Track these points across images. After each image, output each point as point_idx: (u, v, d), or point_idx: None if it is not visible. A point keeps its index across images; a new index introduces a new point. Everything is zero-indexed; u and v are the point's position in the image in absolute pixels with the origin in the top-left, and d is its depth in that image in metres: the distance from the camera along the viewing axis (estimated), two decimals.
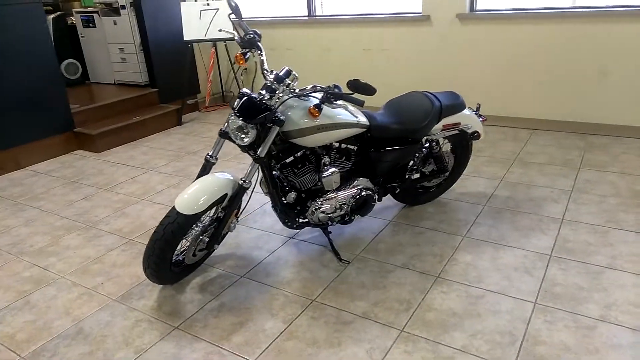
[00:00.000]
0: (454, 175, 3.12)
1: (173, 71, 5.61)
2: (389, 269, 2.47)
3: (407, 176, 2.77)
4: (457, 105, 2.76)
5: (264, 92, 2.20)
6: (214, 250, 2.49)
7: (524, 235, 2.70)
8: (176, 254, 2.35)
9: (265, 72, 2.27)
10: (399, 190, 2.84)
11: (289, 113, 2.23)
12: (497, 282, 2.30)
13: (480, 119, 2.95)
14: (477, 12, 4.44)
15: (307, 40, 5.43)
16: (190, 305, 2.28)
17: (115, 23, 5.50)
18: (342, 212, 2.57)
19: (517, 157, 3.82)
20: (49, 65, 4.44)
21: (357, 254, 2.62)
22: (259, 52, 2.33)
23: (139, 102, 5.39)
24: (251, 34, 2.30)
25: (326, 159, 2.42)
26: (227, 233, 2.51)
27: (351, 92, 2.11)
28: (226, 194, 2.25)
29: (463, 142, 2.95)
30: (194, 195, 2.16)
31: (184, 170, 4.03)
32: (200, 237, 2.33)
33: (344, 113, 2.36)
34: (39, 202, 3.56)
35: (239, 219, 2.49)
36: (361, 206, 2.60)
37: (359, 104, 2.17)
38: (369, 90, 2.09)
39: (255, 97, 2.16)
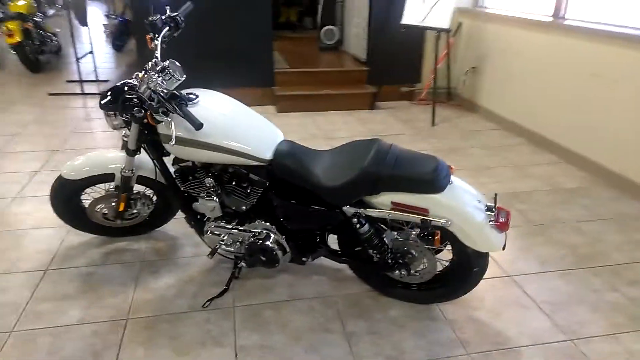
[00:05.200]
0: (450, 287, 2.00)
1: (390, 53, 5.34)
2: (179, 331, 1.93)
3: (323, 246, 2.01)
4: (416, 180, 1.72)
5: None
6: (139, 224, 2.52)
7: None
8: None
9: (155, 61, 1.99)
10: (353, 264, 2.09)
11: None
12: None
13: (491, 220, 1.75)
14: None
15: (537, 47, 4.12)
16: (78, 259, 2.43)
17: None
18: (234, 251, 2.12)
19: None
20: (264, 27, 5.01)
21: (232, 306, 2.13)
22: (157, 38, 2.03)
23: (346, 77, 5.44)
24: (156, 17, 2.02)
25: (209, 181, 2.00)
26: (145, 216, 2.47)
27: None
28: (113, 174, 2.22)
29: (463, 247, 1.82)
30: (78, 164, 2.23)
31: None
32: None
33: (216, 131, 1.85)
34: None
35: (151, 206, 2.41)
36: (254, 254, 2.06)
37: (195, 126, 1.68)
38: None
39: (129, 85, 1.97)
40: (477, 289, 2.25)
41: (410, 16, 4.85)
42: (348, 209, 1.86)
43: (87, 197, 2.40)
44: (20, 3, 6.68)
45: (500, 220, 1.76)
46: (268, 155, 1.90)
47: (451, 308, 2.13)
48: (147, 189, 2.42)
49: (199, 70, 5.01)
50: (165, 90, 1.81)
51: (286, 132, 4.38)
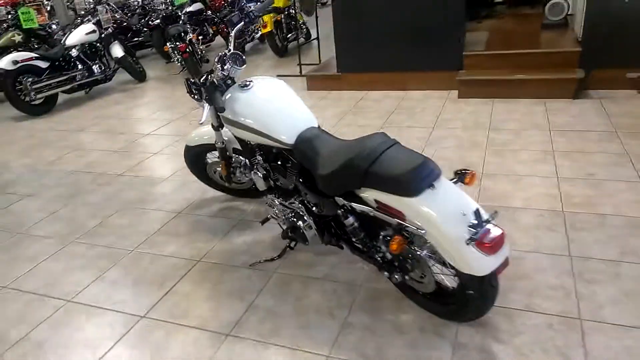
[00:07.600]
0: (456, 306, 1.77)
1: (612, 31, 4.34)
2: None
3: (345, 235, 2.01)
4: (390, 179, 1.59)
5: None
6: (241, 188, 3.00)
7: None
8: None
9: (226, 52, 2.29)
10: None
11: None
12: None
13: (472, 238, 1.49)
14: None
15: None
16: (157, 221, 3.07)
17: None
18: (282, 222, 2.36)
19: None
20: (456, 9, 4.77)
21: (273, 271, 2.37)
22: (231, 31, 2.29)
23: (549, 60, 4.68)
24: (233, 14, 2.28)
25: (258, 158, 2.26)
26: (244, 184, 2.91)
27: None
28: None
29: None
30: (195, 134, 2.79)
31: (441, 151, 3.81)
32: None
33: (252, 114, 2.07)
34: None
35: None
36: (287, 229, 2.25)
37: (217, 109, 1.96)
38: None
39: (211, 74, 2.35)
40: (526, 321, 1.89)
41: None
42: (339, 200, 1.85)
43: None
44: None
45: (485, 241, 1.47)
46: (290, 139, 2.03)
47: (471, 331, 1.87)
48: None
49: (386, 50, 5.19)
50: (219, 78, 2.15)
51: (449, 119, 4.21)
